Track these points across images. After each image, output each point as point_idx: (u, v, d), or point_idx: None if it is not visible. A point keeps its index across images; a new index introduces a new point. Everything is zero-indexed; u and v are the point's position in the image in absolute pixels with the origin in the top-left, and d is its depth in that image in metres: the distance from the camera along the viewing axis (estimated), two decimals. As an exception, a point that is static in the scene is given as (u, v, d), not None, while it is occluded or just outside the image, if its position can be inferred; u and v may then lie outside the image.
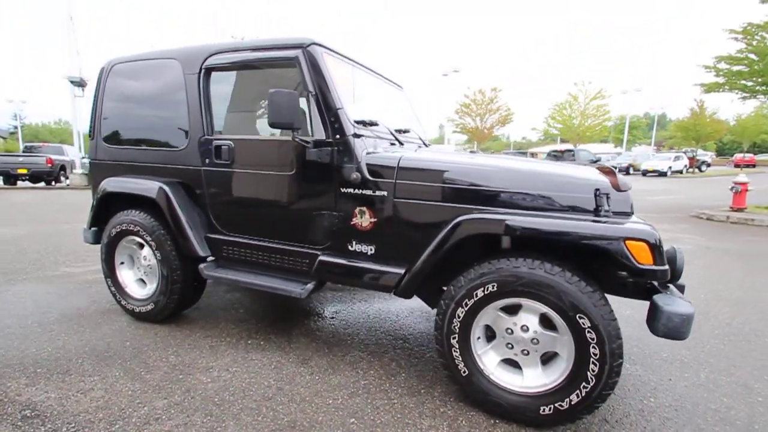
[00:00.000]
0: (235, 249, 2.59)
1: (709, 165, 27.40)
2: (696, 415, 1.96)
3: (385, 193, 2.13)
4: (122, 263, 2.98)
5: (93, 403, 1.94)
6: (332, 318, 3.05)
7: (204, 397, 2.01)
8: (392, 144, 2.52)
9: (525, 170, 2.01)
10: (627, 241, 1.61)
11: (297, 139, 2.20)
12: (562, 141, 35.30)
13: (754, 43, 8.51)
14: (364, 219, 2.19)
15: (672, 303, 1.64)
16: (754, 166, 27.90)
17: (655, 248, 1.60)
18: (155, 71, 2.80)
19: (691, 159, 24.75)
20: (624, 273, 1.95)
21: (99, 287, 3.62)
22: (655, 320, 1.64)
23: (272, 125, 2.13)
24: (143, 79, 2.86)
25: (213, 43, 2.57)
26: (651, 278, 1.66)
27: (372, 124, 2.40)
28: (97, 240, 3.14)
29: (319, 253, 2.32)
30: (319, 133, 2.26)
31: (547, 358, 1.87)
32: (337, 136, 2.19)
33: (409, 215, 2.10)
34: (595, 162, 18.50)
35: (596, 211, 1.85)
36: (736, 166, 28.02)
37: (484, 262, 1.86)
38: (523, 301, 1.80)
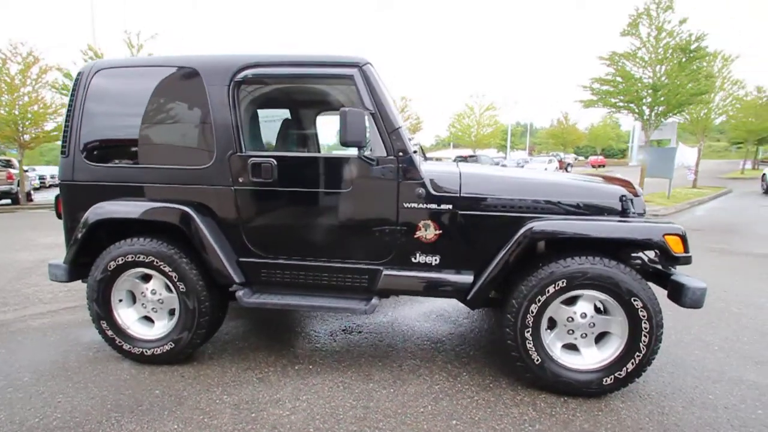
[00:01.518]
0: (277, 272, 2.46)
1: (572, 166, 33.06)
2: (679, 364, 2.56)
3: (450, 206, 2.29)
4: (120, 301, 2.55)
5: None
6: (359, 333, 3.06)
7: (297, 429, 1.91)
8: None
9: (566, 183, 2.38)
10: (666, 236, 2.07)
11: (363, 157, 2.23)
12: (455, 147, 39.02)
13: (618, 67, 10.78)
14: (428, 231, 2.32)
15: (691, 281, 2.14)
16: (604, 166, 34.66)
17: (685, 240, 2.09)
18: (161, 80, 2.49)
19: (560, 161, 29.63)
20: (657, 261, 2.40)
21: (58, 334, 2.99)
22: (682, 295, 2.12)
23: (344, 144, 2.13)
24: (143, 87, 2.51)
25: (245, 54, 2.40)
26: (682, 263, 2.14)
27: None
28: (73, 277, 2.62)
29: (381, 267, 2.36)
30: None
31: (598, 338, 2.25)
32: (400, 154, 2.27)
33: (474, 226, 2.30)
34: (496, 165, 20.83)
35: (623, 213, 2.29)
36: (593, 166, 34.46)
37: (550, 262, 2.16)
38: (585, 292, 2.15)
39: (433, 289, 2.32)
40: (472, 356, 2.68)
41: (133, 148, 2.54)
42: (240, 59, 2.39)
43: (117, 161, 2.56)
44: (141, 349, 2.49)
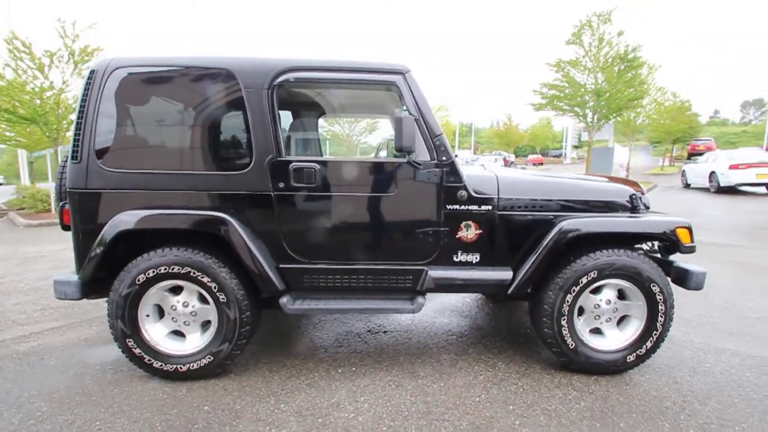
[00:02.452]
0: (320, 276, 2.45)
1: (514, 163, 35.20)
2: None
3: (490, 207, 2.44)
4: (147, 316, 2.39)
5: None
6: (385, 333, 3.11)
7: (369, 430, 1.95)
8: None
9: (584, 184, 2.64)
10: (677, 229, 2.38)
11: (412, 162, 2.30)
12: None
13: (564, 73, 11.74)
14: (469, 232, 2.45)
15: (694, 267, 2.48)
16: (542, 164, 37.30)
17: (692, 232, 2.42)
18: (190, 81, 2.37)
19: (505, 159, 31.42)
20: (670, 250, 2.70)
21: (57, 357, 2.72)
22: (687, 279, 2.45)
23: (399, 149, 2.20)
24: (169, 88, 2.37)
25: (283, 57, 2.35)
26: (688, 252, 2.47)
27: None
28: (86, 294, 2.41)
29: (425, 267, 2.45)
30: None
31: (619, 322, 2.52)
32: (444, 159, 2.38)
33: (510, 225, 2.47)
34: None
35: (633, 209, 2.59)
36: (533, 164, 36.91)
37: (582, 256, 2.38)
38: (611, 281, 2.40)
39: (476, 286, 2.45)
40: (499, 347, 2.86)
41: (158, 153, 2.39)
42: (280, 62, 2.34)
43: (139, 167, 2.38)
44: (175, 366, 2.35)
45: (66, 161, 2.41)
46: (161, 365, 2.36)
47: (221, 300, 2.31)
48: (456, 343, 2.91)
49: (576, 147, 36.59)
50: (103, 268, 2.33)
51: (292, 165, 2.34)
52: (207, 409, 2.13)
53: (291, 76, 2.34)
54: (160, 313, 2.43)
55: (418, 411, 2.11)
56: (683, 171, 15.07)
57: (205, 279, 2.29)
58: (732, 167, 11.69)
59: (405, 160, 2.34)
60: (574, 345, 2.41)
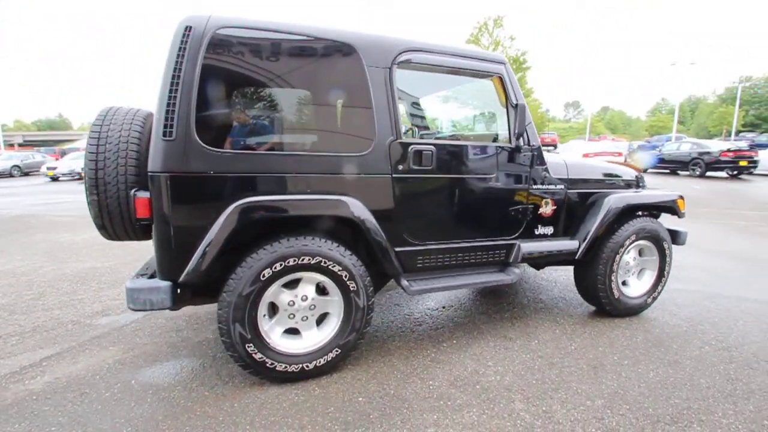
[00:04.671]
0: (431, 257, 2.51)
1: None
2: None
3: (562, 186, 2.85)
4: (264, 316, 2.12)
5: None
6: (451, 308, 3.31)
7: (526, 384, 2.18)
8: None
9: (611, 166, 3.27)
10: (678, 200, 3.17)
11: (520, 146, 2.54)
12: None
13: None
14: (548, 208, 2.82)
15: (680, 228, 3.33)
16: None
17: (684, 201, 3.24)
18: (308, 52, 2.13)
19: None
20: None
21: (104, 389, 2.17)
22: (677, 238, 3.29)
23: (519, 135, 2.42)
24: (282, 59, 2.08)
25: (402, 37, 2.29)
26: (682, 217, 3.29)
27: None
28: (178, 300, 2.02)
29: (516, 241, 2.73)
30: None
31: (639, 274, 3.24)
32: (533, 144, 2.68)
33: (575, 201, 2.93)
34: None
35: (638, 186, 3.33)
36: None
37: (623, 224, 2.98)
38: (640, 242, 3.08)
39: (557, 254, 2.84)
40: (541, 308, 3.34)
41: (271, 132, 2.10)
42: (401, 42, 2.29)
43: (250, 147, 2.06)
44: (300, 365, 2.16)
45: (101, 139, 1.95)
46: (285, 367, 2.14)
47: (351, 289, 2.21)
48: (508, 311, 3.29)
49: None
50: (216, 266, 1.98)
51: (411, 147, 2.34)
52: (363, 401, 2.05)
53: (410, 56, 2.32)
54: (273, 310, 2.18)
55: (543, 363, 2.42)
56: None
57: (336, 268, 2.15)
58: (584, 155, 14.85)
59: (512, 144, 2.56)
60: (617, 295, 3.02)
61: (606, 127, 67.26)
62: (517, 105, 2.41)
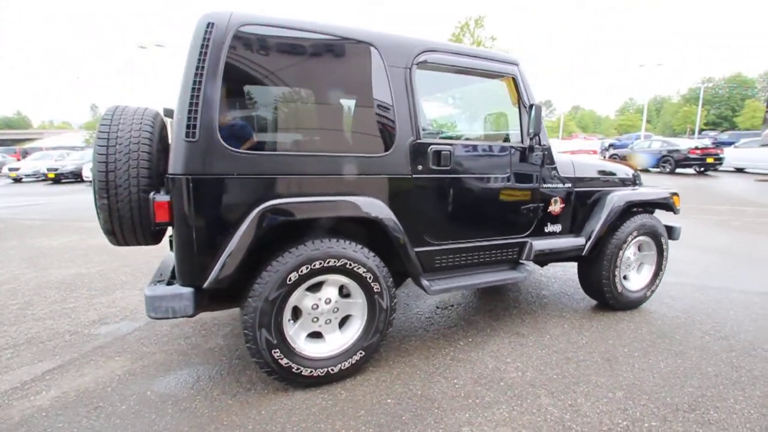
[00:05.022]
0: (448, 256, 2.53)
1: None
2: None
3: (570, 185, 2.92)
4: (289, 320, 2.08)
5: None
6: (451, 307, 3.33)
7: (548, 379, 2.23)
8: None
9: (610, 165, 3.37)
10: (673, 196, 3.31)
11: (533, 146, 2.58)
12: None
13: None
14: (556, 206, 2.88)
15: (675, 224, 3.48)
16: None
17: (679, 198, 3.39)
18: (327, 50, 2.09)
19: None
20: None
21: (119, 401, 2.08)
22: (672, 233, 3.43)
23: (535, 134, 2.46)
24: (305, 57, 2.04)
25: (421, 38, 2.28)
26: (677, 213, 3.43)
27: None
28: (200, 306, 1.95)
29: (528, 239, 2.78)
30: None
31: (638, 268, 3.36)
32: (543, 144, 2.73)
33: (581, 199, 3.01)
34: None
35: (635, 184, 3.46)
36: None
37: (625, 221, 3.09)
38: (640, 238, 3.20)
39: (563, 252, 2.91)
40: (546, 304, 3.43)
41: (293, 132, 2.06)
42: (421, 42, 2.29)
43: (272, 148, 2.00)
44: (326, 369, 2.13)
45: (110, 140, 1.87)
46: (311, 371, 2.10)
47: (375, 290, 2.19)
48: (518, 307, 3.35)
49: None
50: (241, 270, 1.92)
51: (431, 147, 2.34)
52: (392, 402, 2.05)
53: (429, 57, 2.32)
54: (295, 314, 2.14)
55: (559, 358, 2.48)
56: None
57: (361, 270, 2.13)
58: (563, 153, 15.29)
59: (525, 144, 2.61)
60: (620, 289, 3.13)
61: (577, 126, 69.51)
62: (533, 106, 2.45)
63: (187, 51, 1.86)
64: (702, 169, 14.99)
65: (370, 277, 2.16)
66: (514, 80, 2.61)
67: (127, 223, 2.02)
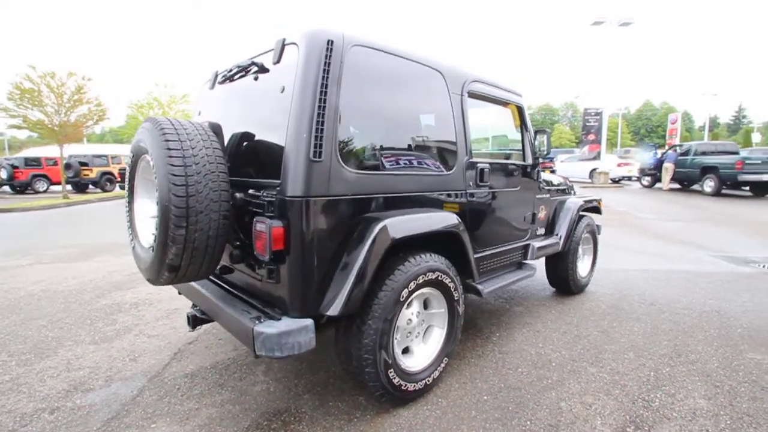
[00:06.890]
0: (486, 261, 2.83)
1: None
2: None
3: (548, 195, 3.57)
4: (396, 339, 2.07)
5: None
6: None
7: (571, 357, 2.73)
8: None
9: (559, 177, 4.21)
10: (599, 202, 4.32)
11: (538, 164, 3.10)
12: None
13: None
14: (542, 212, 3.49)
15: (599, 222, 4.50)
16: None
17: (602, 202, 4.41)
18: (412, 76, 2.20)
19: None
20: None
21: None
22: (599, 229, 4.45)
23: (547, 155, 2.98)
24: (400, 80, 2.11)
25: (466, 67, 2.55)
26: (600, 214, 4.44)
27: None
28: (312, 341, 1.83)
29: (530, 242, 3.29)
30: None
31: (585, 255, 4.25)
32: (536, 161, 3.30)
33: (554, 205, 3.69)
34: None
35: (569, 192, 4.39)
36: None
37: (578, 222, 3.91)
38: (586, 235, 4.07)
39: (549, 250, 3.51)
40: (522, 297, 4.04)
41: (391, 152, 2.09)
42: (471, 72, 2.56)
43: (375, 168, 1.99)
44: (423, 381, 2.19)
45: (186, 158, 1.69)
46: (414, 386, 2.14)
47: (455, 298, 2.36)
48: (509, 301, 3.86)
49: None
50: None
51: (479, 165, 2.64)
52: (488, 398, 2.23)
53: (474, 86, 2.62)
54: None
55: (571, 337, 3.02)
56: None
57: (447, 280, 2.28)
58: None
59: (529, 162, 3.12)
60: (580, 276, 3.94)
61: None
62: (545, 131, 2.99)
63: (297, 68, 1.75)
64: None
65: (453, 287, 2.32)
66: (520, 108, 3.11)
67: (199, 256, 1.75)
